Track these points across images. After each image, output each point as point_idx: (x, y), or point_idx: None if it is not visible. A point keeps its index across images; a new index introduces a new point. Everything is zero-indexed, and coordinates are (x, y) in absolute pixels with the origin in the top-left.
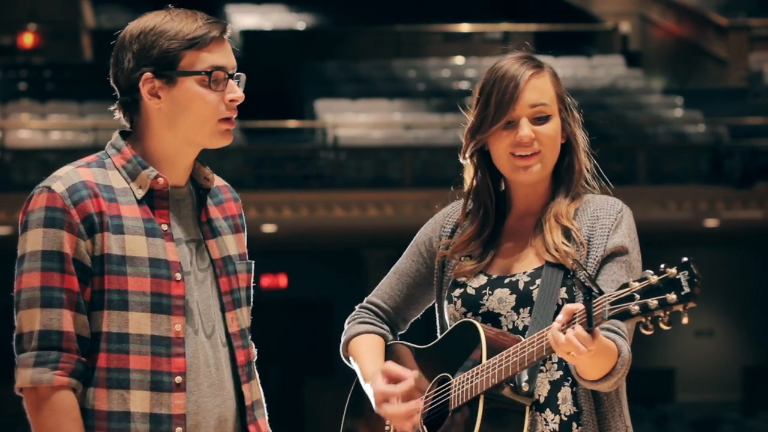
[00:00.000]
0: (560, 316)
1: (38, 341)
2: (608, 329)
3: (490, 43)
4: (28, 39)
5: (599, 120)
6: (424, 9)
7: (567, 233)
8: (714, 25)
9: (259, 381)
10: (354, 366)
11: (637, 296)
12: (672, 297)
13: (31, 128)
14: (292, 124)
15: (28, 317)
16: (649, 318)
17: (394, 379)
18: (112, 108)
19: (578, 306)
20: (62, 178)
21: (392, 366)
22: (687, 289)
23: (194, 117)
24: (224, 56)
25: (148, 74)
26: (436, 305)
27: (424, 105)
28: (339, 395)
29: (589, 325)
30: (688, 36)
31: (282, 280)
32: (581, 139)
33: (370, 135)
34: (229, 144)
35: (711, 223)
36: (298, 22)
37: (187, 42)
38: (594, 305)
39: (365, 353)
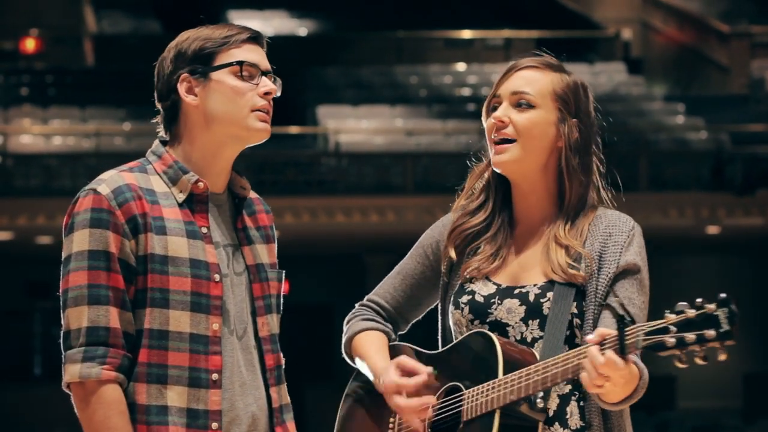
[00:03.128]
0: (591, 337)
1: (86, 337)
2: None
3: (491, 50)
4: (30, 44)
5: (600, 126)
6: (426, 15)
7: (570, 249)
8: (716, 32)
9: (286, 387)
10: (358, 363)
11: (673, 329)
12: (710, 333)
13: (33, 133)
14: (294, 130)
15: (75, 315)
16: (684, 352)
17: (407, 373)
18: (154, 120)
19: (610, 331)
20: (107, 181)
21: (406, 359)
22: (726, 327)
23: (228, 107)
24: (257, 56)
25: (184, 74)
26: (439, 308)
27: (425, 111)
28: (339, 400)
29: (622, 352)
30: (689, 43)
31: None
32: (577, 142)
33: (372, 141)
34: (266, 139)
35: (712, 229)
36: (300, 28)
37: (220, 41)
38: (627, 333)
39: (373, 348)
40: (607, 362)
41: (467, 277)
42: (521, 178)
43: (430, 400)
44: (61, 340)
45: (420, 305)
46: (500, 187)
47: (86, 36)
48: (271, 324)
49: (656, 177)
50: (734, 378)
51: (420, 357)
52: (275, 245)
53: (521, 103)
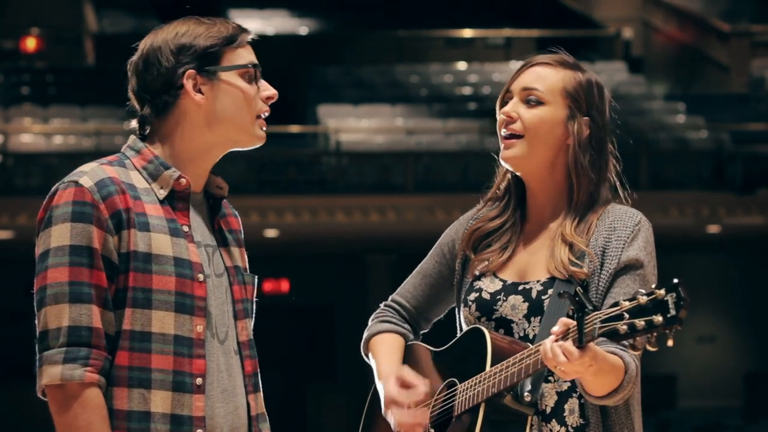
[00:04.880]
0: (556, 328)
1: (67, 337)
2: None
3: (492, 49)
4: (30, 43)
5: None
6: (426, 14)
7: (574, 246)
8: (716, 31)
9: (262, 395)
10: (372, 364)
11: (626, 315)
12: (658, 319)
13: (33, 132)
14: (294, 129)
15: (55, 313)
16: (638, 338)
17: (406, 386)
18: (139, 114)
19: (573, 321)
20: (89, 174)
21: (407, 372)
22: (673, 312)
23: (237, 110)
24: (254, 56)
25: (191, 71)
26: (456, 307)
27: (426, 110)
28: (341, 400)
29: (580, 342)
30: (690, 42)
31: (284, 285)
32: (587, 140)
33: (373, 140)
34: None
35: (713, 229)
36: (301, 27)
37: (226, 40)
38: (585, 322)
39: (383, 352)
40: (554, 354)
41: (477, 273)
42: (529, 175)
43: (424, 418)
44: (37, 341)
45: (440, 304)
46: (519, 186)
47: (87, 35)
48: (249, 329)
49: (657, 176)
50: (735, 377)
51: (431, 356)
52: (245, 250)
53: (530, 100)
